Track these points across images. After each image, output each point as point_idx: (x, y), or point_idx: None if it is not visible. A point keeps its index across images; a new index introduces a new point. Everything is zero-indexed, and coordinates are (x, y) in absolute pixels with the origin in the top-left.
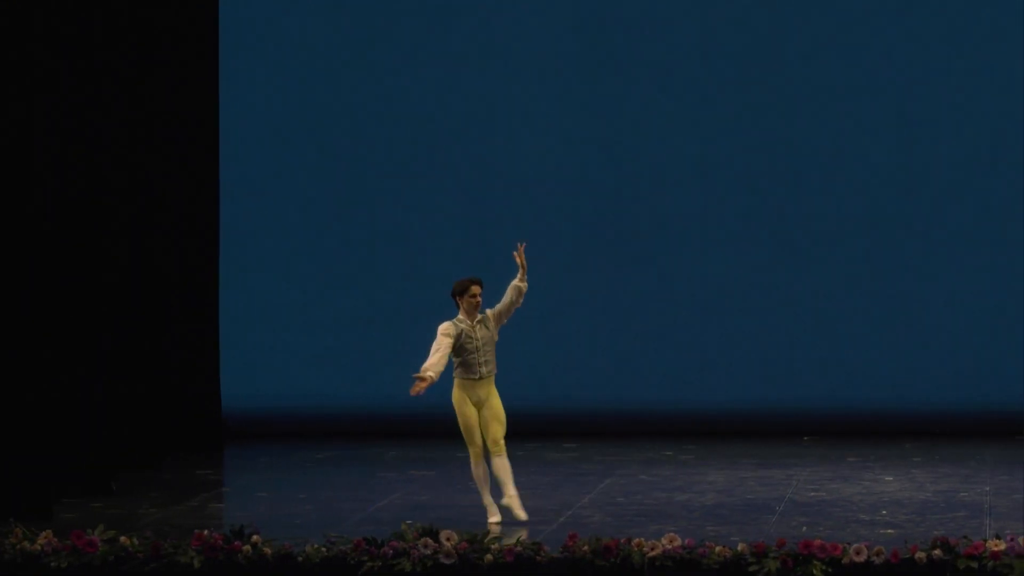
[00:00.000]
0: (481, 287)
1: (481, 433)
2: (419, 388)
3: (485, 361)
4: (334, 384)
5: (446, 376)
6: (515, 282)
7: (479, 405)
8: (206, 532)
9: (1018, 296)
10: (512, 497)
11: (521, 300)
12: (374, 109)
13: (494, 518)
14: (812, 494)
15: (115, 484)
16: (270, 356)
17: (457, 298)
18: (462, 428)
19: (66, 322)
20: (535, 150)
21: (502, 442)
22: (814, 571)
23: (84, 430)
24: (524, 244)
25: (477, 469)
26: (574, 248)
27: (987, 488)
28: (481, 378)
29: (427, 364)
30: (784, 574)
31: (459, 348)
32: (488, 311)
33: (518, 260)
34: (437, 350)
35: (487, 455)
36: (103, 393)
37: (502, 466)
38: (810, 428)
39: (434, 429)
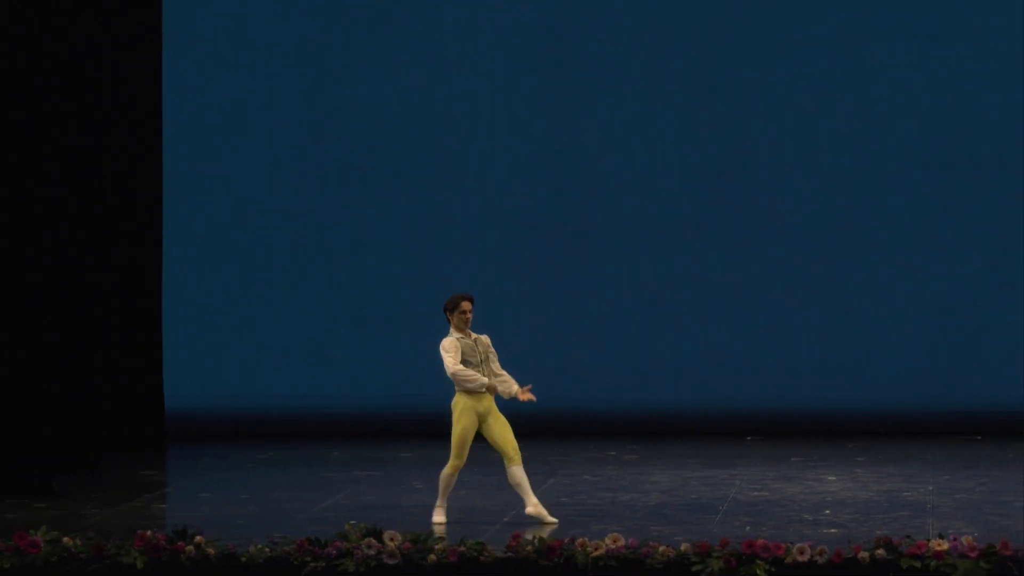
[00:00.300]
0: (472, 303)
1: (496, 444)
2: (491, 387)
3: (486, 374)
4: (278, 384)
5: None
6: (503, 388)
7: (483, 417)
8: (149, 533)
9: (960, 297)
10: (536, 505)
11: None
12: (324, 107)
13: (439, 518)
14: (755, 494)
15: (57, 485)
16: (214, 356)
17: (448, 314)
18: (457, 439)
19: (7, 322)
20: (489, 151)
21: (516, 446)
22: (757, 571)
23: (26, 431)
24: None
25: (450, 478)
26: (520, 248)
27: (930, 488)
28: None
29: (478, 376)
30: (727, 574)
31: (463, 361)
32: (487, 339)
33: (521, 396)
34: (460, 361)
35: (471, 465)
36: (45, 393)
37: (521, 475)
38: (754, 428)
39: (378, 429)
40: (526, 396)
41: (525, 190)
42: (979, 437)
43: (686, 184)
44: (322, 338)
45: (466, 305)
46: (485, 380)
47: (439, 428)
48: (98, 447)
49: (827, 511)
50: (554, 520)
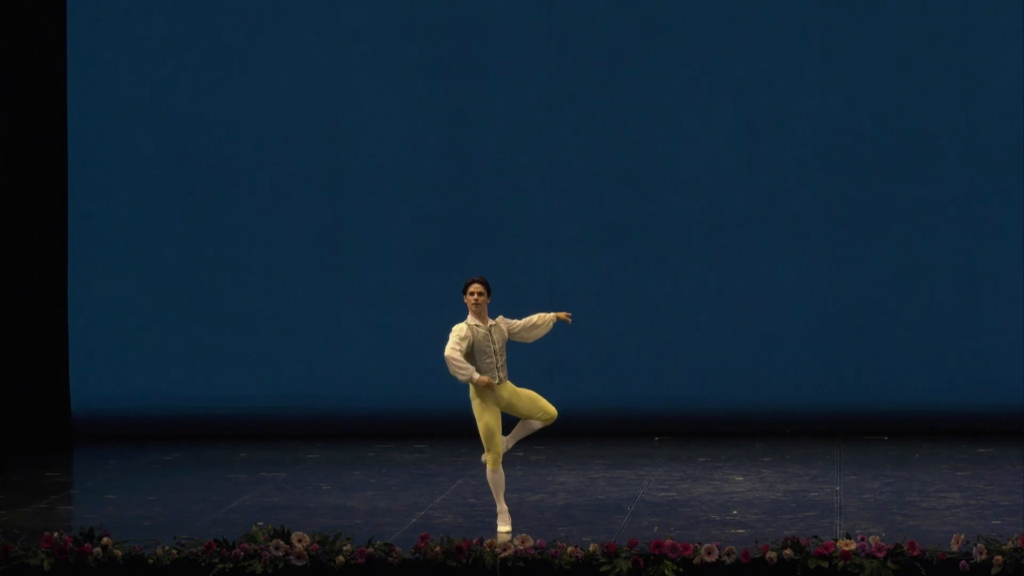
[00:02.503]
0: (483, 285)
1: (532, 414)
2: (490, 383)
3: (502, 365)
4: (184, 385)
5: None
6: (553, 316)
7: (504, 403)
8: (56, 534)
9: (863, 297)
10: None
11: (544, 332)
12: (226, 108)
13: (504, 527)
14: (663, 494)
15: None
16: (119, 357)
17: (464, 297)
18: (483, 434)
19: None
20: (385, 150)
21: (552, 409)
22: (665, 571)
23: None
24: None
25: (494, 475)
26: (420, 249)
27: (837, 488)
28: (500, 382)
29: (468, 368)
30: (635, 574)
31: (476, 352)
32: (502, 321)
33: (563, 316)
34: (460, 357)
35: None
36: None
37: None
38: (660, 428)
39: (284, 430)
40: (566, 316)
41: (421, 193)
42: (886, 438)
43: (586, 185)
44: (228, 339)
45: (473, 287)
46: (475, 375)
47: (344, 429)
48: (2, 448)
49: (734, 511)
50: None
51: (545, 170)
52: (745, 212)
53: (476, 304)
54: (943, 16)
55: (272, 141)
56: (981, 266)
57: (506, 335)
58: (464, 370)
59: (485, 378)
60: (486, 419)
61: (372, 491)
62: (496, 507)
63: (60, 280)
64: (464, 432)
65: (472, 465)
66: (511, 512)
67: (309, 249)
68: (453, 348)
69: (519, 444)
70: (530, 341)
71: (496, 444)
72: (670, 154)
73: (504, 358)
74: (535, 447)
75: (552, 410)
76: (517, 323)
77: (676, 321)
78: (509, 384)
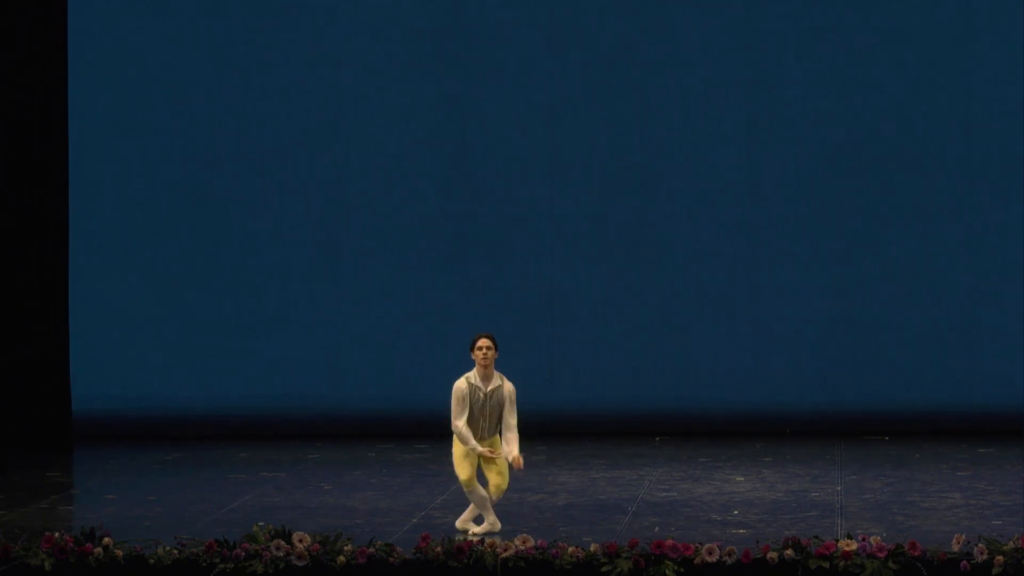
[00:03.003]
0: (490, 340)
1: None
2: (490, 454)
3: (490, 428)
4: (184, 386)
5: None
6: (511, 456)
7: (481, 461)
8: (57, 534)
9: (864, 297)
10: (493, 524)
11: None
12: (226, 108)
13: (478, 527)
14: (664, 494)
15: None
16: (120, 357)
17: (471, 353)
18: (463, 484)
19: None
20: (386, 150)
21: (503, 490)
22: (666, 571)
23: None
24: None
25: (471, 493)
26: (421, 249)
27: (838, 488)
28: (482, 439)
29: (472, 441)
30: (636, 574)
31: (471, 413)
32: (506, 389)
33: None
34: (465, 423)
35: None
36: None
37: (484, 503)
38: (661, 429)
39: (285, 431)
40: (517, 464)
41: (424, 194)
42: (886, 438)
43: (588, 183)
44: (229, 339)
45: (481, 342)
46: (476, 447)
47: (345, 429)
48: (3, 447)
49: (735, 511)
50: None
51: (546, 170)
52: (746, 212)
53: (484, 359)
54: (944, 16)
55: (273, 141)
56: (982, 266)
57: (503, 404)
58: (467, 443)
59: (486, 450)
60: (461, 475)
61: (373, 491)
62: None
63: (61, 280)
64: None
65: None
66: (512, 512)
67: (310, 249)
68: (455, 418)
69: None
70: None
71: (468, 483)
72: (671, 154)
73: (493, 423)
74: (536, 447)
75: (501, 489)
76: (508, 415)
77: (676, 321)
78: (497, 446)
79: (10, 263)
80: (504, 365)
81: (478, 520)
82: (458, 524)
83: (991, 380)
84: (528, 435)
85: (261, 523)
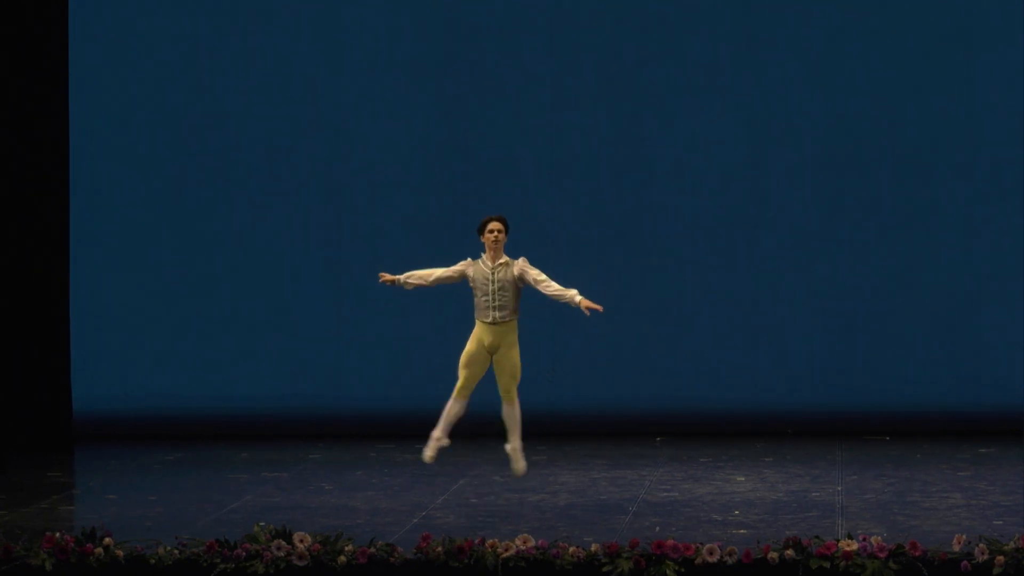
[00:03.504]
0: (502, 223)
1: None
2: (385, 278)
3: (499, 306)
4: (186, 386)
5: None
6: (571, 294)
7: (493, 350)
8: (57, 534)
9: (864, 296)
10: (515, 449)
11: (554, 298)
12: (227, 108)
13: (429, 453)
14: (664, 494)
15: None
16: (121, 357)
17: (480, 235)
18: (462, 357)
19: None
20: (386, 150)
21: (513, 392)
22: (667, 571)
23: None
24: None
25: (453, 403)
26: (421, 249)
27: (838, 488)
28: (494, 323)
29: (412, 272)
30: (637, 574)
31: (477, 289)
32: (520, 263)
33: (588, 305)
34: (435, 270)
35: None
36: None
37: (510, 415)
38: (662, 429)
39: (286, 431)
40: (587, 305)
41: (424, 192)
42: (887, 438)
43: (590, 182)
44: (230, 339)
45: (492, 225)
46: (389, 276)
47: (346, 429)
48: (4, 447)
49: (736, 511)
50: (522, 469)
51: (546, 170)
52: (746, 212)
53: (495, 242)
54: (945, 17)
55: (273, 141)
56: (982, 266)
57: (517, 277)
58: (413, 275)
59: (385, 275)
60: (470, 348)
61: (374, 491)
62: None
63: (62, 280)
64: (466, 432)
65: (474, 465)
66: (512, 512)
67: (310, 249)
68: (435, 269)
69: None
70: (548, 294)
71: (465, 374)
72: (671, 154)
73: (504, 300)
74: (536, 447)
75: (509, 391)
76: (534, 275)
77: (677, 321)
78: (507, 333)
79: (11, 263)
80: None
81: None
82: (425, 455)
83: (992, 380)
84: (529, 435)
85: (262, 523)
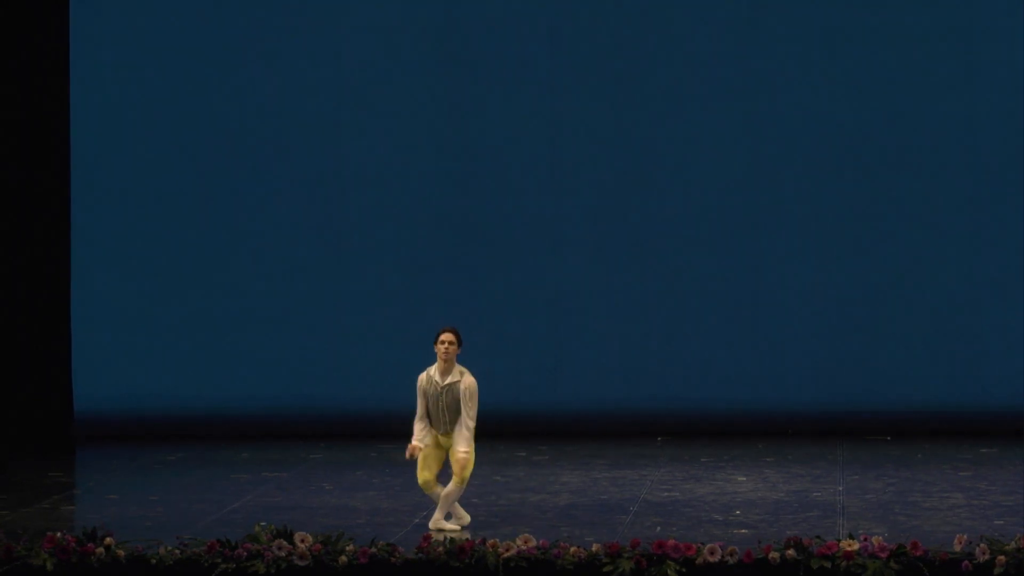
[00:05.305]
0: (452, 334)
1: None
2: (415, 452)
3: (448, 420)
4: (186, 385)
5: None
6: (457, 446)
7: (447, 445)
8: (59, 534)
9: (865, 297)
10: (438, 520)
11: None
12: (227, 108)
13: (448, 524)
14: (665, 494)
15: None
16: (122, 357)
17: (434, 345)
18: (421, 484)
19: None
20: (386, 149)
21: (465, 479)
22: (668, 571)
23: None
24: None
25: (434, 497)
26: (422, 249)
27: (839, 488)
28: (446, 432)
29: (415, 438)
30: (638, 574)
31: (425, 398)
32: (464, 384)
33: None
34: (419, 418)
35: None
36: None
37: (453, 493)
38: (663, 429)
39: (287, 431)
40: (458, 464)
41: (422, 192)
42: (888, 438)
43: (589, 183)
44: (231, 339)
45: (444, 336)
46: (411, 445)
47: (347, 429)
48: (5, 448)
49: (737, 511)
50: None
51: (547, 170)
52: (748, 212)
53: (445, 353)
54: (945, 17)
55: (273, 141)
56: (984, 266)
57: (459, 398)
58: (415, 436)
59: (415, 447)
60: (423, 477)
61: (375, 491)
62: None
63: (63, 280)
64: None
65: (475, 465)
66: (513, 512)
67: (311, 249)
68: (418, 412)
69: (520, 445)
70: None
71: (425, 479)
72: (672, 154)
73: (455, 414)
74: (538, 447)
75: (462, 475)
76: (463, 404)
77: (678, 321)
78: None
79: (12, 263)
80: (506, 364)
81: (447, 518)
82: (431, 525)
83: (993, 380)
84: (530, 435)
85: (263, 523)
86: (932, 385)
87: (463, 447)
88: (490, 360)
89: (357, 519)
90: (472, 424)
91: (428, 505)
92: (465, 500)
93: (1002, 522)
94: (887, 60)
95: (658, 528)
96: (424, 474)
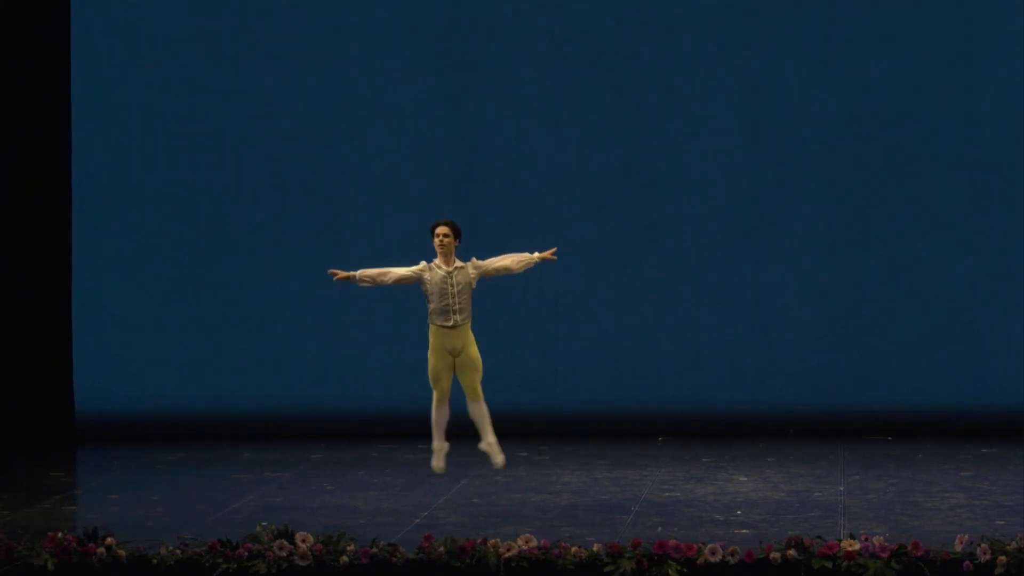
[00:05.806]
0: (449, 228)
1: (454, 378)
2: (338, 275)
3: (459, 309)
4: (188, 386)
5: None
6: (533, 256)
7: (455, 353)
8: (60, 534)
9: (866, 297)
10: (491, 444)
11: (521, 270)
12: (228, 108)
13: (437, 463)
14: (667, 494)
15: None
16: (123, 357)
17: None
18: (430, 373)
19: None
20: (387, 149)
21: (479, 389)
22: (669, 571)
23: None
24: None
25: (438, 412)
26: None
27: (840, 488)
28: (456, 326)
29: (367, 270)
30: (639, 574)
31: (435, 293)
32: (473, 263)
33: (546, 255)
34: (393, 269)
35: (456, 401)
36: None
37: (479, 412)
38: (664, 429)
39: (288, 431)
40: (544, 256)
41: (427, 192)
42: (889, 438)
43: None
44: (232, 339)
45: (439, 230)
46: (342, 273)
47: (348, 429)
48: (7, 447)
49: (738, 512)
50: (501, 462)
51: (547, 169)
52: (749, 212)
53: (442, 246)
54: (945, 16)
55: (273, 141)
56: (984, 266)
57: (473, 278)
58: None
59: (337, 272)
60: (433, 363)
61: (376, 491)
62: (433, 443)
63: (64, 280)
64: (467, 432)
65: (476, 465)
66: (514, 512)
67: (312, 249)
68: (390, 269)
69: (521, 445)
70: (515, 272)
71: (440, 384)
72: (673, 154)
73: (464, 303)
74: (538, 447)
75: (475, 388)
76: (491, 264)
77: (680, 321)
78: (467, 334)
79: (13, 263)
80: (507, 364)
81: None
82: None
83: (994, 380)
84: (531, 435)
85: (264, 523)
86: (933, 385)
87: (518, 258)
88: (490, 360)
89: (358, 519)
90: (511, 255)
91: (428, 505)
92: (466, 500)
93: (1003, 522)
94: (887, 60)
95: (659, 528)
96: (441, 382)
